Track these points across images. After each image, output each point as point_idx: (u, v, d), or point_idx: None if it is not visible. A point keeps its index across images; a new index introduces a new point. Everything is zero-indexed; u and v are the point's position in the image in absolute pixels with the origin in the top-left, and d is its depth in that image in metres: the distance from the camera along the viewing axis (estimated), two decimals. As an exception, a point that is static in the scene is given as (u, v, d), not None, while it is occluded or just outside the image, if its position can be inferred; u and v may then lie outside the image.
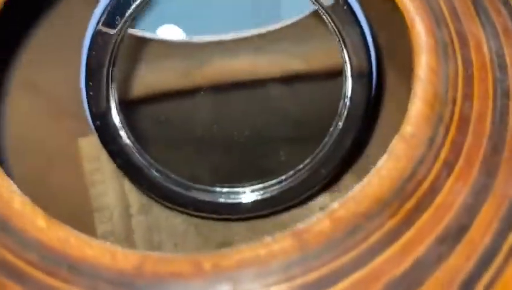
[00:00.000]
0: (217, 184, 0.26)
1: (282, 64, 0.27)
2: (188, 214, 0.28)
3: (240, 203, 0.26)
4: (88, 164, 0.37)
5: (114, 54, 0.23)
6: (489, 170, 0.17)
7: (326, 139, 0.24)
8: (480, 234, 0.16)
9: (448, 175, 0.17)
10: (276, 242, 0.16)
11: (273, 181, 0.26)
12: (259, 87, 0.28)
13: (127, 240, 0.35)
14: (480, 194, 0.17)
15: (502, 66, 0.20)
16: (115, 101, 0.24)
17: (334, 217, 0.16)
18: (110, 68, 0.23)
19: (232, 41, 0.26)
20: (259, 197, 0.26)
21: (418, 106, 0.18)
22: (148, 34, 0.25)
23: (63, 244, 0.16)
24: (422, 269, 0.16)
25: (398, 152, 0.17)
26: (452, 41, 0.20)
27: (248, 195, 0.26)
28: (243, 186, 0.26)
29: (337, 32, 0.22)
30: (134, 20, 0.23)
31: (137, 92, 0.27)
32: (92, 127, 0.25)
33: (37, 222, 0.16)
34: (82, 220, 0.34)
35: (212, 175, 0.27)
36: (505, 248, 0.16)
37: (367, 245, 0.16)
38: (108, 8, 0.22)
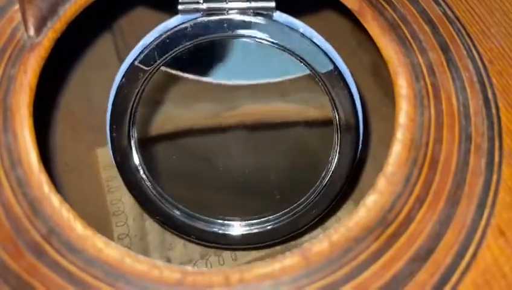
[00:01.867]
0: (217, 217, 0.30)
1: (301, 111, 0.30)
2: (190, 241, 0.32)
3: (234, 236, 0.30)
4: (105, 171, 0.40)
5: (142, 91, 0.27)
6: (453, 202, 0.22)
7: (317, 183, 0.29)
8: (443, 255, 0.21)
9: (420, 207, 0.22)
10: (286, 259, 0.21)
11: (264, 219, 0.30)
12: (281, 129, 0.32)
13: (142, 242, 0.39)
14: (444, 223, 0.22)
15: (467, 115, 0.24)
16: (135, 141, 0.28)
17: (331, 240, 0.21)
18: (134, 109, 0.27)
19: (260, 86, 0.29)
20: (252, 232, 0.30)
21: (398, 148, 0.23)
22: (182, 73, 0.28)
23: (119, 262, 0.20)
24: (398, 282, 0.20)
25: (381, 188, 0.22)
26: (428, 93, 0.25)
27: (240, 229, 0.30)
28: (239, 221, 0.30)
29: (328, 93, 0.26)
30: (169, 60, 0.26)
31: (160, 128, 0.31)
32: (113, 162, 0.29)
33: (96, 244, 0.20)
34: (100, 223, 0.38)
35: (214, 209, 0.31)
36: (461, 266, 0.21)
37: (357, 263, 0.21)
38: (150, 47, 0.25)
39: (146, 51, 0.26)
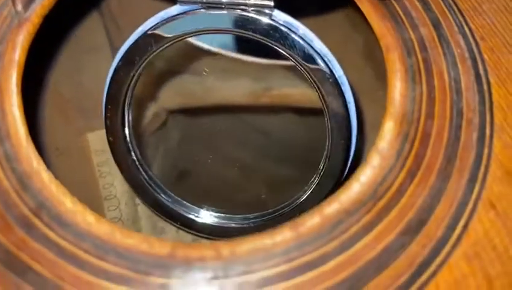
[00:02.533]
0: (205, 208, 0.30)
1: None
2: (176, 227, 0.32)
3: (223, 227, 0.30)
4: (96, 156, 0.40)
5: (138, 75, 0.26)
6: (444, 176, 0.22)
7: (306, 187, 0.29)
8: (434, 227, 0.21)
9: (411, 181, 0.22)
10: (278, 233, 0.21)
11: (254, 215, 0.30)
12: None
13: (134, 226, 0.39)
14: (436, 196, 0.22)
15: (458, 90, 0.24)
16: (129, 123, 0.28)
17: (323, 213, 0.21)
18: (130, 91, 0.27)
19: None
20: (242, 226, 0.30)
21: (389, 124, 0.23)
22: (210, 47, 0.28)
23: (109, 235, 0.20)
24: (389, 254, 0.20)
25: (373, 162, 0.22)
26: (419, 69, 0.25)
27: (228, 221, 0.30)
28: (230, 214, 0.30)
29: (318, 91, 0.26)
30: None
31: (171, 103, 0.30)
32: (107, 142, 0.29)
33: (87, 218, 0.20)
34: (92, 207, 0.38)
35: (202, 200, 0.31)
36: (452, 239, 0.21)
37: (348, 235, 0.21)
38: (148, 32, 0.25)
39: (142, 38, 0.25)
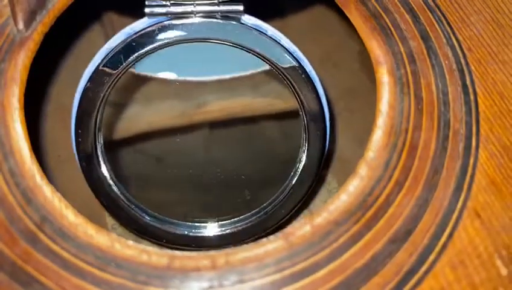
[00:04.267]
0: (188, 219, 0.29)
1: (273, 104, 0.31)
2: (161, 245, 0.30)
3: (205, 237, 0.30)
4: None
5: (107, 95, 0.26)
6: (430, 186, 0.23)
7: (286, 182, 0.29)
8: (421, 236, 0.22)
9: (399, 191, 0.23)
10: (270, 243, 0.21)
11: (237, 219, 0.30)
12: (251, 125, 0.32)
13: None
14: (422, 206, 0.23)
15: (446, 102, 0.25)
16: (101, 146, 0.27)
17: (313, 223, 0.22)
18: (100, 113, 0.26)
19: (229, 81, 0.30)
20: (224, 232, 0.30)
21: (378, 135, 0.24)
22: (148, 73, 0.28)
23: (109, 247, 0.21)
24: (377, 262, 0.21)
25: (362, 173, 0.23)
26: (408, 81, 0.25)
27: (213, 229, 0.30)
28: (211, 222, 0.30)
29: (292, 87, 0.27)
30: (135, 63, 0.25)
31: (126, 131, 0.30)
32: (79, 166, 0.27)
33: (88, 230, 0.21)
34: (93, 214, 0.39)
35: (184, 211, 0.30)
36: (438, 247, 0.22)
37: (337, 245, 0.21)
38: (115, 50, 0.25)
39: (111, 54, 0.25)
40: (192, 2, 0.25)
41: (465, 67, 0.26)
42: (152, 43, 0.25)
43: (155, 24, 0.25)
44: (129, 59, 0.25)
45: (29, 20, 0.25)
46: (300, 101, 0.27)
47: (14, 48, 0.25)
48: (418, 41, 0.26)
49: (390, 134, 0.24)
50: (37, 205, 0.22)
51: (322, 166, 0.29)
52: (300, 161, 0.28)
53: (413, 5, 0.28)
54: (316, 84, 0.27)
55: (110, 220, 0.40)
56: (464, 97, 0.25)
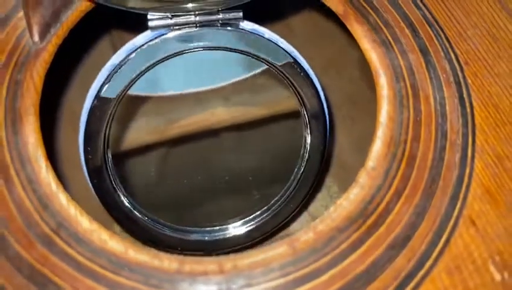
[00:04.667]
0: (203, 224, 0.30)
1: (245, 112, 0.32)
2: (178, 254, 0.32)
3: (228, 238, 0.30)
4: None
5: (115, 112, 0.26)
6: (428, 195, 0.24)
7: (292, 177, 0.30)
8: (419, 242, 0.23)
9: (398, 200, 0.24)
10: (275, 248, 0.23)
11: (252, 216, 0.30)
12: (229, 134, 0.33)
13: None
14: (420, 213, 0.24)
15: (443, 114, 0.26)
16: (110, 161, 0.27)
17: (316, 230, 0.23)
18: (108, 130, 0.26)
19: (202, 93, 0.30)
20: (246, 230, 0.30)
21: (378, 145, 0.25)
22: (148, 92, 0.28)
23: (123, 252, 0.22)
24: (377, 267, 0.22)
25: (362, 182, 0.24)
26: (407, 93, 0.26)
27: (235, 229, 0.30)
28: (228, 223, 0.31)
29: (292, 85, 0.28)
30: (140, 77, 0.25)
31: (129, 143, 0.30)
32: (90, 184, 0.27)
33: (102, 236, 0.22)
34: (104, 217, 0.40)
35: (197, 217, 0.31)
36: (435, 253, 0.23)
37: (339, 251, 0.23)
38: (111, 76, 0.25)
39: (114, 72, 0.25)
40: (193, 12, 0.25)
41: (462, 80, 0.27)
42: (154, 57, 0.25)
43: (157, 37, 0.25)
44: (133, 76, 0.25)
45: (44, 32, 0.26)
46: (300, 97, 0.28)
47: (30, 59, 0.26)
48: (417, 55, 0.28)
49: (390, 145, 0.25)
50: (53, 211, 0.23)
51: (325, 158, 0.30)
52: (304, 155, 0.29)
53: (413, 20, 0.29)
54: (313, 80, 0.28)
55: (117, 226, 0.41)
56: (460, 109, 0.26)
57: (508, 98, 0.27)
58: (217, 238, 0.30)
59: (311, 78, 0.28)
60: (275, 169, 0.32)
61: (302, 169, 0.29)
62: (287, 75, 0.27)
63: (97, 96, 0.26)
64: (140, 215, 0.29)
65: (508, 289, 0.22)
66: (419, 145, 0.25)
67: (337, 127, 0.44)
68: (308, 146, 0.29)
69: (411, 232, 0.23)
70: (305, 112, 0.28)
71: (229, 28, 0.26)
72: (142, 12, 0.25)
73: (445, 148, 0.25)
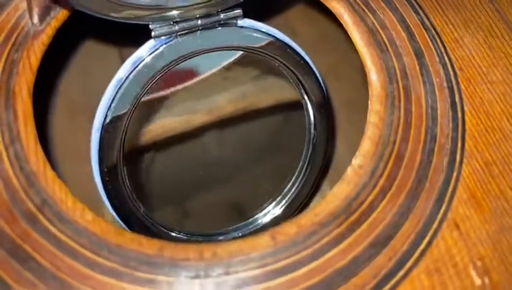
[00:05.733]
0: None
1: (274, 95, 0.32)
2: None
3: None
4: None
5: (128, 124, 0.26)
6: (413, 196, 0.24)
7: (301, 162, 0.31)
8: (401, 242, 0.23)
9: (383, 198, 0.24)
10: (256, 238, 0.23)
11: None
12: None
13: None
14: (404, 214, 0.24)
15: (434, 117, 0.26)
16: (125, 167, 0.27)
17: (299, 224, 0.23)
18: (122, 144, 0.26)
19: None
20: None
21: (367, 144, 0.25)
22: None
23: (104, 233, 0.22)
24: (357, 264, 0.22)
25: (348, 178, 0.24)
26: (399, 95, 0.27)
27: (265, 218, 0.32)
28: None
29: (297, 79, 0.29)
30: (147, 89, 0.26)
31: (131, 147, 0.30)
32: (101, 192, 0.27)
33: (85, 216, 0.22)
34: (92, 202, 0.40)
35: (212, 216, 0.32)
36: (416, 253, 0.23)
37: (320, 245, 0.23)
38: (127, 81, 0.25)
39: (124, 87, 0.25)
40: (194, 16, 0.25)
41: (455, 86, 0.27)
42: (160, 65, 0.25)
43: (161, 46, 0.25)
44: (141, 89, 0.26)
45: (44, 14, 0.27)
46: (302, 85, 0.29)
47: (28, 40, 0.26)
48: (411, 58, 0.28)
49: (378, 144, 0.25)
50: (39, 189, 0.23)
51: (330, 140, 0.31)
52: (310, 140, 0.31)
53: (410, 24, 0.29)
54: (311, 67, 0.29)
55: (108, 214, 0.41)
56: (451, 114, 0.27)
57: (499, 105, 0.27)
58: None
59: (309, 64, 0.28)
60: (285, 157, 0.33)
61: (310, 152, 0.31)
62: (288, 64, 0.28)
63: (108, 113, 0.26)
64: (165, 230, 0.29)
65: (487, 294, 0.22)
66: (407, 146, 0.25)
67: (336, 131, 0.44)
68: (312, 130, 0.30)
69: (393, 231, 0.23)
70: (308, 101, 0.29)
71: (229, 27, 0.26)
72: (142, 23, 0.25)
73: (433, 151, 0.25)
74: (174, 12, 0.25)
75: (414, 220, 0.24)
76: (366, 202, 0.24)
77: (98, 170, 0.27)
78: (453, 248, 0.23)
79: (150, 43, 0.26)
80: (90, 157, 0.41)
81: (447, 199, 0.24)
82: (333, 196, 0.24)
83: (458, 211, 0.24)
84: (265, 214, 0.32)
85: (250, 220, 0.32)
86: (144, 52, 0.26)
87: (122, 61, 0.28)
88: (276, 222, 0.32)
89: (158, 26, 0.25)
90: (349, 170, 0.24)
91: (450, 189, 0.24)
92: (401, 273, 0.22)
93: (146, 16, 0.25)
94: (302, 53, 0.29)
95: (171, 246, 0.22)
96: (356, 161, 0.24)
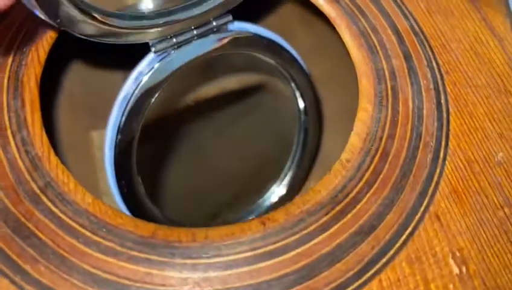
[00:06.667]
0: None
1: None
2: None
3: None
4: (99, 152, 0.44)
5: (138, 136, 0.27)
6: (397, 189, 0.25)
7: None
8: (384, 232, 0.24)
9: (368, 191, 0.25)
10: (248, 224, 0.24)
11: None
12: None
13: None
14: (388, 205, 0.25)
15: (420, 116, 0.28)
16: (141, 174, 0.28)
17: (288, 211, 0.24)
18: (135, 155, 0.27)
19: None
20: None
21: (354, 139, 0.26)
22: None
23: (103, 214, 0.23)
24: (342, 250, 0.24)
25: (336, 171, 0.25)
26: (387, 95, 0.28)
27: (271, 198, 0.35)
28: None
29: (290, 77, 0.31)
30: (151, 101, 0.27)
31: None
32: (120, 205, 0.29)
33: (86, 198, 0.24)
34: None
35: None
36: (398, 243, 0.24)
37: (307, 231, 0.24)
38: (127, 109, 0.26)
39: (130, 105, 0.26)
40: (190, 28, 0.27)
41: (441, 88, 0.29)
42: (161, 78, 0.27)
43: (160, 59, 0.27)
44: (145, 103, 0.27)
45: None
46: (290, 75, 0.32)
47: (37, 33, 0.28)
48: (400, 61, 0.29)
49: (366, 140, 0.26)
50: (43, 172, 0.24)
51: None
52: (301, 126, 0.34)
53: (400, 28, 0.30)
54: (296, 57, 0.31)
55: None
56: (437, 114, 0.28)
57: (482, 107, 0.28)
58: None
59: (293, 55, 0.31)
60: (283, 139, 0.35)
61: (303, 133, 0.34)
62: (276, 58, 0.31)
63: (118, 131, 0.27)
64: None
65: (464, 282, 0.23)
66: (393, 142, 0.27)
67: (334, 136, 0.45)
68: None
69: (377, 222, 0.24)
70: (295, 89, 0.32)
71: (221, 33, 0.28)
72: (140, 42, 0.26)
73: (418, 148, 0.27)
74: (173, 28, 0.26)
75: (397, 212, 0.25)
76: (351, 194, 0.25)
77: (116, 185, 0.28)
78: (434, 239, 0.24)
79: (150, 57, 0.27)
80: (89, 156, 0.42)
81: (429, 192, 0.25)
82: (321, 187, 0.25)
83: (440, 204, 0.25)
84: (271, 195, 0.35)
85: (259, 201, 0.34)
86: (145, 67, 0.27)
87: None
88: (283, 202, 0.33)
89: (157, 41, 0.27)
90: (337, 163, 0.26)
91: (433, 184, 0.26)
92: (384, 260, 0.24)
93: (147, 37, 0.26)
94: (285, 44, 0.31)
95: (165, 229, 0.23)
96: (344, 155, 0.26)
